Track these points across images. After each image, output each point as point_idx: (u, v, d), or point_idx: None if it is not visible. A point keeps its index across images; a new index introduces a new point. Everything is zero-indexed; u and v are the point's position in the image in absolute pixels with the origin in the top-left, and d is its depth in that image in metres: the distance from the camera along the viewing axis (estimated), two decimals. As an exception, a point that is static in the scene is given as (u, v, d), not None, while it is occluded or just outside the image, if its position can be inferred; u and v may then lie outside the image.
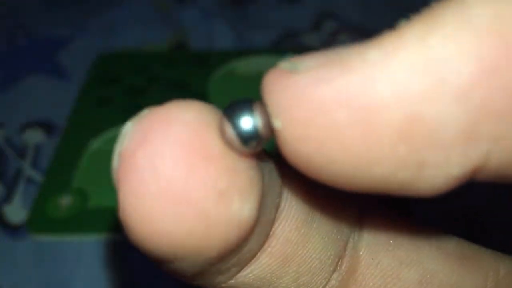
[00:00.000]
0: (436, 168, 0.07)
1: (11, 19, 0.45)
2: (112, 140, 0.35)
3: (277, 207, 0.10)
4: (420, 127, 0.06)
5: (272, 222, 0.10)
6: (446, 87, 0.06)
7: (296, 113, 0.07)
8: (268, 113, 0.07)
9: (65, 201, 0.31)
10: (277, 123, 0.07)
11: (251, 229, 0.08)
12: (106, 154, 0.34)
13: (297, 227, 0.10)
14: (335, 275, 0.11)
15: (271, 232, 0.10)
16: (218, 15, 0.45)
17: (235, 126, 0.07)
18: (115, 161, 0.08)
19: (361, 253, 0.11)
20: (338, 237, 0.11)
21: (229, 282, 0.10)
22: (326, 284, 0.11)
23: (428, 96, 0.06)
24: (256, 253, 0.10)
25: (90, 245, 0.30)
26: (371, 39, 0.07)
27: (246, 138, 0.07)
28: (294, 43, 0.44)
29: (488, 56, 0.06)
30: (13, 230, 0.31)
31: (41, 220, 0.30)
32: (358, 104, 0.06)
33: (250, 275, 0.10)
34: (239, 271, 0.10)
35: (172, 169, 0.07)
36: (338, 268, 0.11)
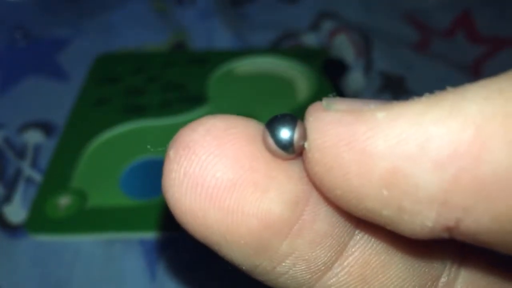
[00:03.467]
0: (412, 216, 0.08)
1: (11, 21, 0.45)
2: (111, 140, 0.35)
3: (346, 230, 0.10)
4: (401, 180, 0.08)
5: (333, 238, 0.10)
6: (427, 156, 0.08)
7: (317, 141, 0.09)
8: (302, 131, 0.09)
9: (64, 201, 0.31)
10: (306, 144, 0.09)
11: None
12: (105, 155, 0.35)
13: (377, 253, 0.11)
14: None
15: (350, 252, 0.10)
16: (217, 15, 0.45)
17: (275, 136, 0.09)
18: (171, 154, 0.09)
19: None
20: (426, 270, 0.11)
21: None
22: None
23: (412, 158, 0.08)
24: (328, 266, 0.10)
25: (88, 244, 0.30)
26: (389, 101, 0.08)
27: (282, 146, 0.09)
28: (293, 43, 0.44)
29: (465, 143, 0.07)
30: (13, 230, 0.31)
31: (40, 220, 0.30)
32: (358, 148, 0.08)
33: (327, 286, 0.11)
34: (316, 280, 0.11)
35: (222, 173, 0.09)
36: None
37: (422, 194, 0.08)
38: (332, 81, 0.38)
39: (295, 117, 0.09)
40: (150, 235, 0.30)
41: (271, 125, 0.09)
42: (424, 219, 0.08)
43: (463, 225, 0.08)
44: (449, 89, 0.08)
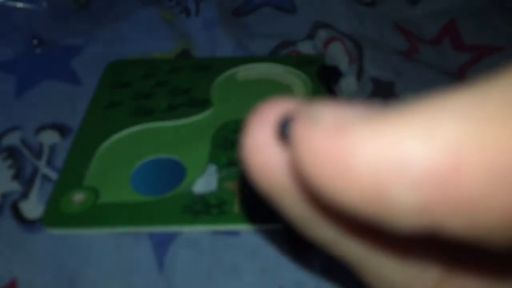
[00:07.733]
0: (394, 218, 0.08)
1: (28, 29, 0.45)
2: (122, 141, 0.35)
3: None
4: (381, 194, 0.08)
5: None
6: (405, 172, 0.07)
7: (303, 156, 0.09)
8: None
9: (78, 197, 0.31)
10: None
11: None
12: (116, 154, 0.34)
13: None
14: None
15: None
16: (220, 25, 0.45)
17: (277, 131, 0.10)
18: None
19: None
20: (416, 274, 0.11)
21: (334, 247, 0.12)
22: None
23: (391, 174, 0.07)
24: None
25: (100, 238, 0.30)
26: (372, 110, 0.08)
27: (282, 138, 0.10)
28: (291, 51, 0.44)
29: (441, 160, 0.07)
30: (30, 225, 0.31)
31: (55, 215, 0.30)
32: (340, 164, 0.08)
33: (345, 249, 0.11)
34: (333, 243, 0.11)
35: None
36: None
37: (401, 207, 0.08)
38: (327, 86, 0.38)
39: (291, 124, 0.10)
40: (158, 229, 0.30)
41: (281, 123, 0.10)
42: (405, 222, 0.08)
43: (443, 230, 0.08)
44: (430, 96, 0.08)
